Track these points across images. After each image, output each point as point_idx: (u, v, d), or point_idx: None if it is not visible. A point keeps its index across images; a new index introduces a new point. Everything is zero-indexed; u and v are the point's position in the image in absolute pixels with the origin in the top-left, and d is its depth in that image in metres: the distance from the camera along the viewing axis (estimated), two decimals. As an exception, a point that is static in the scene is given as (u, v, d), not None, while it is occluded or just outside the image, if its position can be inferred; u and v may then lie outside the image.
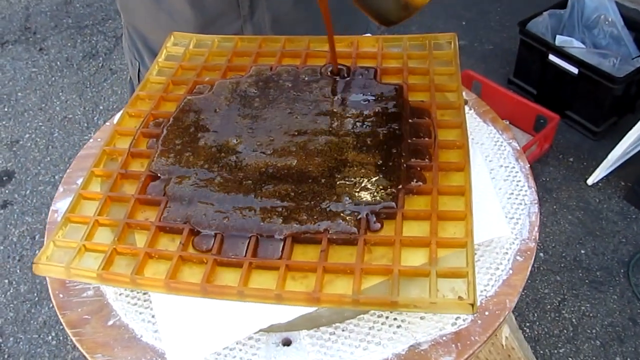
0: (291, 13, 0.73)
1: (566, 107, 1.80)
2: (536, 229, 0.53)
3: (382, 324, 0.47)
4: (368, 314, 0.47)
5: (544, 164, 1.72)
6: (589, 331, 1.35)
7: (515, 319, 1.39)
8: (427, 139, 0.54)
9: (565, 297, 1.41)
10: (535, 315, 1.39)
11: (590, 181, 1.65)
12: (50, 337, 1.43)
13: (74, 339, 0.49)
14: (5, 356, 1.39)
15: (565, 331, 1.36)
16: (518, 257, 0.51)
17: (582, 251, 1.50)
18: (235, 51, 0.67)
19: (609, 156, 1.57)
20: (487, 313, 0.47)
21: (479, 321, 0.47)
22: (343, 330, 0.47)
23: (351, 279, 0.44)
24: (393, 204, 0.48)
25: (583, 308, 1.39)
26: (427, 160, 0.52)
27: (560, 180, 1.68)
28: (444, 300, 0.42)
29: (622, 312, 1.38)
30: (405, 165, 0.51)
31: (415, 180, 0.50)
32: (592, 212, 1.59)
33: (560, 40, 1.81)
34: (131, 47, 0.83)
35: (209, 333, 0.45)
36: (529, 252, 0.51)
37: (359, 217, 0.47)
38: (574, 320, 1.37)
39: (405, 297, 0.42)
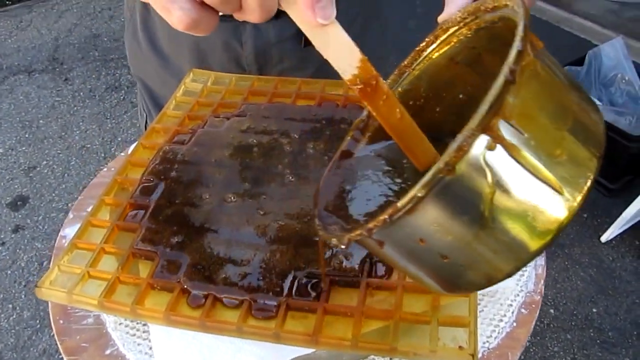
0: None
1: (581, 163, 1.79)
2: (542, 281, 0.52)
3: (381, 370, 0.46)
4: (367, 359, 0.47)
5: (557, 219, 1.71)
6: (599, 394, 1.31)
7: (524, 376, 1.36)
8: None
9: (576, 356, 1.37)
10: (545, 374, 1.35)
11: (604, 238, 1.63)
12: (48, 366, 1.41)
13: (70, 366, 0.48)
14: (3, 382, 1.38)
15: (574, 392, 1.32)
16: (523, 310, 0.50)
17: (594, 310, 1.47)
18: (251, 90, 0.68)
19: (624, 214, 1.55)
20: (488, 365, 0.46)
21: (480, 374, 0.46)
22: (341, 374, 0.46)
23: (351, 322, 0.43)
24: (397, 248, 0.48)
25: (594, 369, 1.35)
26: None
27: (574, 236, 1.66)
28: (444, 349, 0.41)
29: (634, 376, 1.33)
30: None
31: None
32: (605, 270, 1.56)
33: (576, 96, 1.82)
34: (140, 98, 0.84)
35: (204, 368, 0.45)
36: (534, 305, 0.50)
37: (362, 260, 0.47)
38: (584, 381, 1.33)
39: (404, 343, 0.41)
